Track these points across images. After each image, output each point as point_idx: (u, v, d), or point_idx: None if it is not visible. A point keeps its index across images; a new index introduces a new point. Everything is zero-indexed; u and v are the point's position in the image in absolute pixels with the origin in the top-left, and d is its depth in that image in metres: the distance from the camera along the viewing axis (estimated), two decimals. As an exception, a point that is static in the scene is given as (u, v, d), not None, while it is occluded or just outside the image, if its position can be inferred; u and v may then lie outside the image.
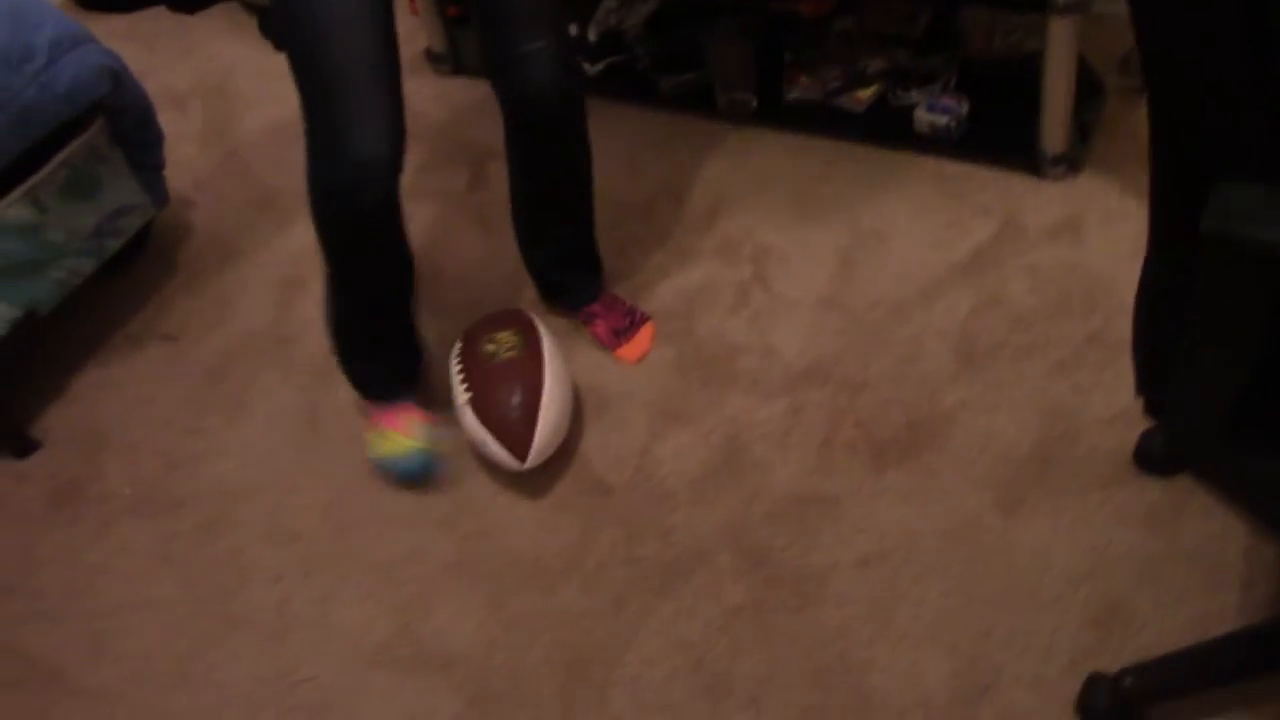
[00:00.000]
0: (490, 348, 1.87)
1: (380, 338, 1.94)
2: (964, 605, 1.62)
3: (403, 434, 1.92)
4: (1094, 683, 1.47)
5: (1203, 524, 1.64)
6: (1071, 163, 2.19)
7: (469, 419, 1.84)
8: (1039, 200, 2.17)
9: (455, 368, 1.90)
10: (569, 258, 2.08)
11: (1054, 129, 2.15)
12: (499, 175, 1.99)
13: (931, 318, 2.01)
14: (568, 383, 1.90)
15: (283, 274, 2.35)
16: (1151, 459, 1.72)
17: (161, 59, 3.02)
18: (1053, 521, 1.69)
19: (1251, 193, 0.79)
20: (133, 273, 2.40)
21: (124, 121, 2.12)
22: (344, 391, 2.04)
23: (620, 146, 2.43)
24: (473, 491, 1.90)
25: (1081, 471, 1.74)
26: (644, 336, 2.07)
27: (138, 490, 2.02)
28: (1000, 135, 2.26)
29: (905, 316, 2.02)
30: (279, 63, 1.70)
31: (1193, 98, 0.80)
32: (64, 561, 1.93)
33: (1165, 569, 1.60)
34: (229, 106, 2.84)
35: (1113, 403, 1.81)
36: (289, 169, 2.66)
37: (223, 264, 2.41)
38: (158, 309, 2.34)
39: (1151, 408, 1.07)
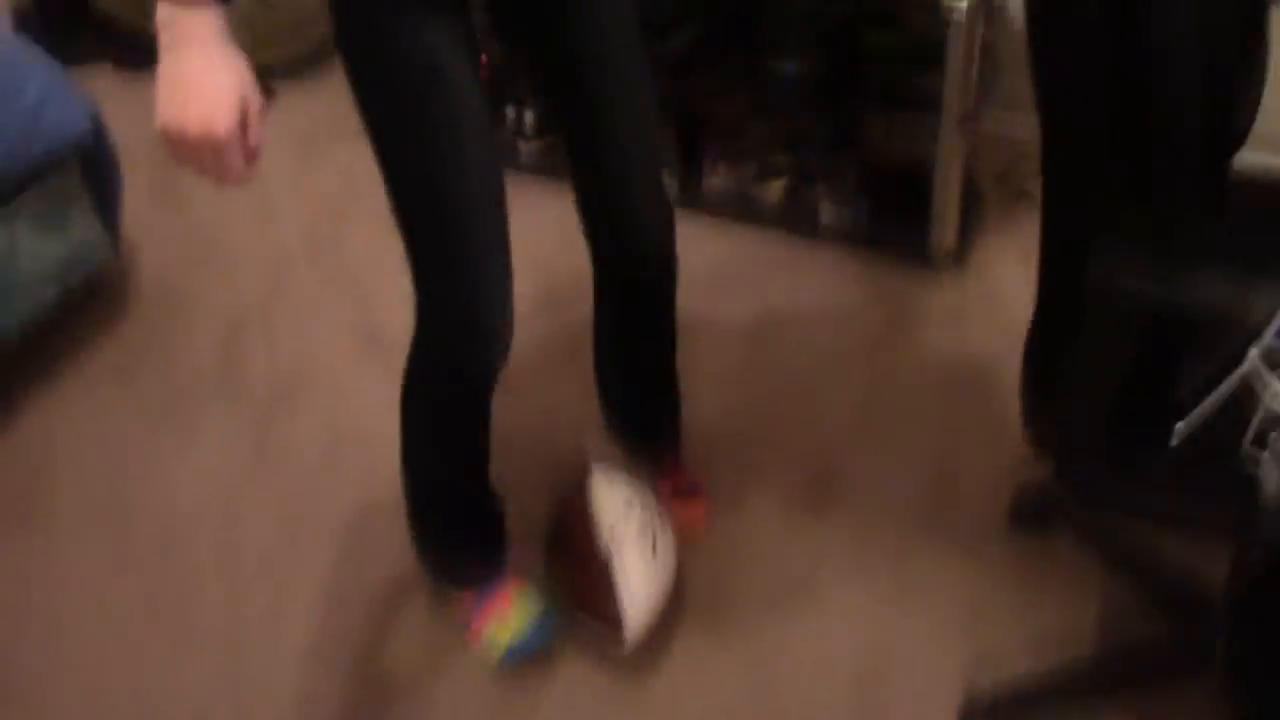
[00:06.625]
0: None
1: (476, 502, 1.76)
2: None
3: (515, 611, 1.82)
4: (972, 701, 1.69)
5: (1068, 570, 1.88)
6: (958, 258, 2.47)
7: None
8: (930, 288, 2.44)
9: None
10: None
11: (943, 227, 2.43)
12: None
13: (834, 390, 2.24)
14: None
15: (230, 319, 2.49)
16: (1023, 516, 1.96)
17: (107, 116, 3.15)
18: (943, 565, 1.91)
19: (1121, 249, 1.03)
20: (83, 315, 2.51)
21: (95, 166, 2.26)
22: (292, 425, 2.17)
23: (553, 220, 2.63)
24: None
25: (965, 524, 1.97)
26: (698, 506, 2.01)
27: (87, 509, 2.12)
28: (896, 230, 2.53)
29: (809, 386, 2.25)
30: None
31: (1078, 144, 1.05)
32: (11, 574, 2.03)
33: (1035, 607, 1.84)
34: (174, 166, 2.97)
35: (994, 467, 2.06)
36: (233, 224, 2.82)
37: (172, 309, 2.54)
38: (108, 347, 2.45)
39: (1036, 439, 1.30)
